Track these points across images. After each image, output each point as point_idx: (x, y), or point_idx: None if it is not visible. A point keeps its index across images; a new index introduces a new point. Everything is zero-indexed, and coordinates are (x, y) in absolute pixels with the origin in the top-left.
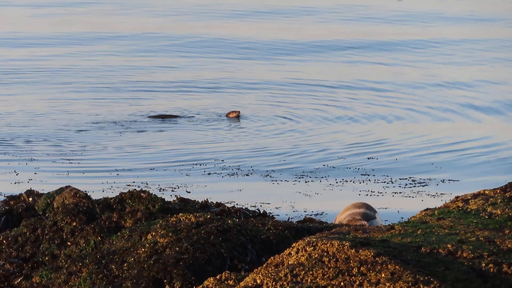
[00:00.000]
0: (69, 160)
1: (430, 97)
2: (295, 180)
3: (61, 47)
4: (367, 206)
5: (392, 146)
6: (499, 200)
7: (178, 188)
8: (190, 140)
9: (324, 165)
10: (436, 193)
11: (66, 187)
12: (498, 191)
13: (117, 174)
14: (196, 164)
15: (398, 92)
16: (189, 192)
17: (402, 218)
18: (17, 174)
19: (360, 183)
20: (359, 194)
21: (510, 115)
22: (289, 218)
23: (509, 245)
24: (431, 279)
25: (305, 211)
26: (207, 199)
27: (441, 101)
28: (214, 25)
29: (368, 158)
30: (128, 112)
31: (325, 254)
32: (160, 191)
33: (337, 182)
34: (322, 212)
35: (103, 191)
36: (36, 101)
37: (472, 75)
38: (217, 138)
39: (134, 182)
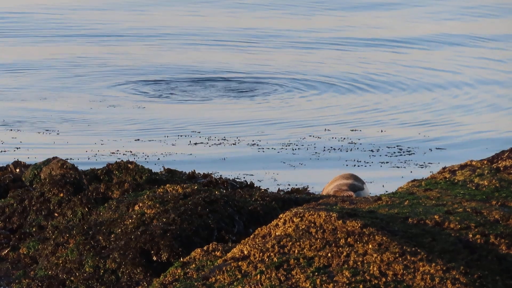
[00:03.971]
0: (55, 130)
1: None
2: (281, 149)
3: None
4: (355, 177)
5: (378, 117)
6: (486, 171)
7: (164, 157)
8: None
9: (310, 135)
10: (424, 163)
11: (53, 158)
12: (485, 162)
13: (102, 144)
14: (181, 135)
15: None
16: (175, 161)
17: (387, 190)
18: (2, 143)
19: (346, 151)
20: (346, 165)
21: (498, 84)
22: (278, 189)
23: (496, 216)
24: (418, 250)
25: (289, 184)
26: (194, 170)
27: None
28: None
29: (351, 130)
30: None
31: (312, 225)
32: (145, 159)
33: (324, 151)
34: (308, 185)
35: (88, 158)
36: (21, 66)
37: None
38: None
39: (118, 150)
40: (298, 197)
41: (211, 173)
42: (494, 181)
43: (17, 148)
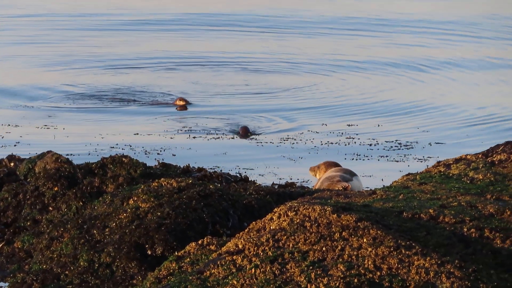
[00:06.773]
0: (53, 125)
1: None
2: (280, 143)
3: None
4: (344, 170)
5: (376, 112)
6: (481, 165)
7: (164, 151)
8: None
9: (308, 130)
10: (423, 157)
11: (48, 152)
12: (480, 156)
13: (102, 138)
14: (180, 129)
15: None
16: (174, 155)
17: (386, 184)
18: (2, 137)
19: (345, 145)
20: (345, 159)
21: (495, 78)
22: (273, 183)
23: (490, 210)
24: (413, 244)
25: (291, 178)
26: (189, 164)
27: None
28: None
29: (348, 125)
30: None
31: (307, 219)
32: (145, 154)
33: (322, 144)
34: (308, 180)
35: (89, 154)
36: (22, 65)
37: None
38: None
39: (117, 144)
40: (292, 191)
41: (207, 168)
42: (488, 174)
43: (17, 143)
